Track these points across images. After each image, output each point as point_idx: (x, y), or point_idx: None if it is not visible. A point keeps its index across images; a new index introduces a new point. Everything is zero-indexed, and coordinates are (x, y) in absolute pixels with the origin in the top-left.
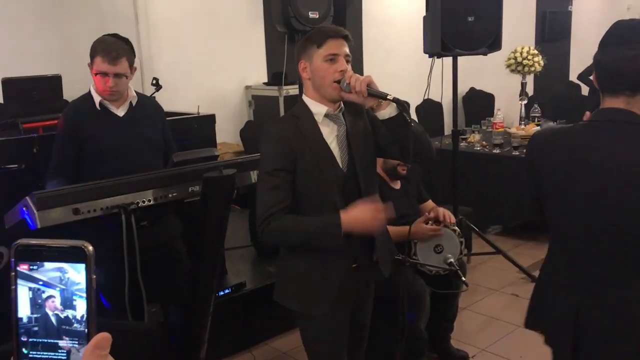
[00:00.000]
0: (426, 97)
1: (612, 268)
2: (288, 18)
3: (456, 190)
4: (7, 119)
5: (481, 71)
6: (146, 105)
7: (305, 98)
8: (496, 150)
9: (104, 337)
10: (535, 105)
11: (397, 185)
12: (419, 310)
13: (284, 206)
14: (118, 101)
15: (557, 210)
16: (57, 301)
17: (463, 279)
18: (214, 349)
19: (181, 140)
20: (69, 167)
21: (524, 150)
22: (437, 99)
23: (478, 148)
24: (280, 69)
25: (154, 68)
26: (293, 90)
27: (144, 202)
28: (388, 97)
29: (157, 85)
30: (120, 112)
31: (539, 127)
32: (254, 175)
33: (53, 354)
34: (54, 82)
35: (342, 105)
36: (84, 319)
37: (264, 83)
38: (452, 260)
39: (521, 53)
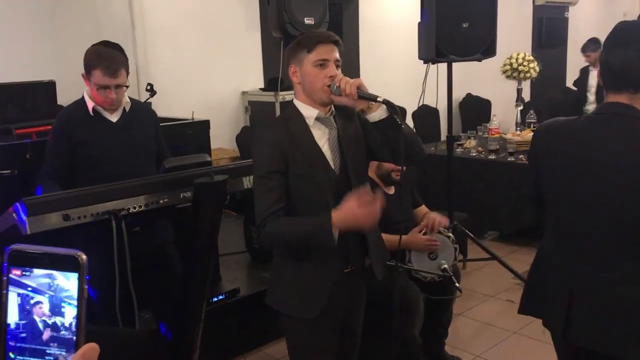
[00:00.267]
0: (421, 103)
1: (606, 253)
2: (283, 24)
3: (451, 196)
4: (0, 125)
5: (478, 77)
6: (139, 111)
7: (296, 102)
8: (492, 156)
9: (91, 348)
10: (531, 111)
11: (391, 190)
12: (412, 316)
13: (279, 207)
14: (117, 108)
15: (557, 197)
16: (45, 307)
17: (457, 285)
18: (207, 355)
19: (175, 146)
20: (61, 173)
21: (520, 156)
22: (433, 104)
23: (474, 154)
24: (277, 75)
25: (150, 74)
26: (289, 96)
27: (134, 208)
28: (378, 99)
29: (152, 91)
30: (114, 117)
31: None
32: (246, 181)
33: None
34: (47, 88)
35: (333, 108)
36: (73, 326)
37: (261, 89)
38: (446, 266)
39: (517, 59)
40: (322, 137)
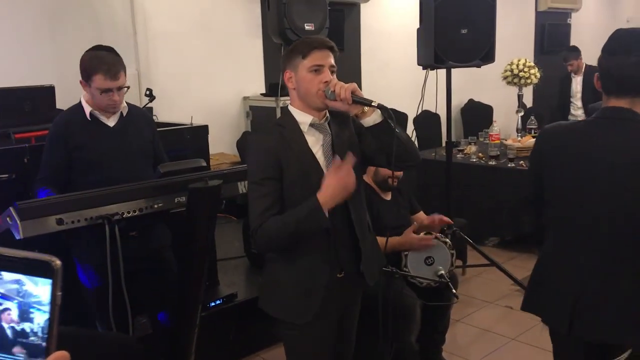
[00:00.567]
0: (420, 108)
1: (612, 249)
2: (283, 29)
3: (450, 201)
4: None
5: (480, 83)
6: (137, 116)
7: (290, 108)
8: (492, 162)
9: (62, 355)
10: (532, 117)
11: (388, 196)
12: (409, 323)
13: (273, 213)
14: (117, 111)
15: (561, 197)
16: (14, 314)
17: (454, 291)
18: None
19: (174, 150)
20: (58, 177)
21: (520, 162)
22: (434, 110)
23: (474, 160)
24: (278, 80)
25: (151, 79)
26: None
27: (129, 212)
28: (372, 104)
29: (151, 96)
30: (111, 122)
31: (534, 139)
32: (241, 186)
33: None
34: (46, 93)
35: (328, 114)
36: (42, 332)
37: (262, 94)
38: (442, 272)
39: (517, 65)
40: (316, 144)
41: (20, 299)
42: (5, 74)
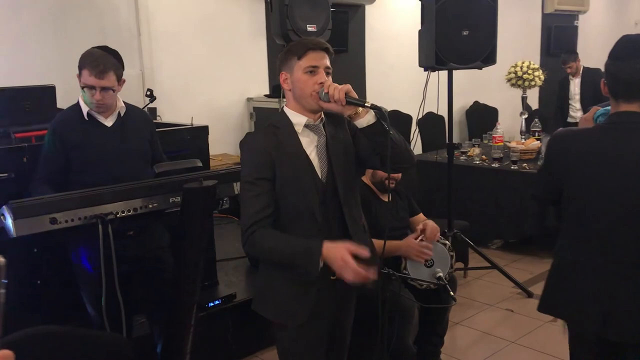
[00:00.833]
0: (422, 110)
1: (637, 250)
2: (286, 31)
3: (451, 203)
4: None
5: (485, 85)
6: (135, 116)
7: (286, 109)
8: (495, 165)
9: (5, 355)
10: (536, 120)
11: (387, 198)
12: (406, 325)
13: (267, 214)
14: (106, 112)
15: (580, 203)
16: None
17: (452, 294)
18: None
19: (174, 151)
20: (55, 177)
21: (523, 165)
22: (440, 112)
23: (477, 162)
24: None
25: (155, 80)
26: None
27: (123, 212)
28: (366, 105)
29: (152, 97)
30: (109, 122)
31: (538, 142)
32: (237, 187)
33: None
34: (47, 93)
35: (324, 116)
36: None
37: (266, 95)
38: (441, 274)
39: (521, 67)
40: (310, 145)
41: None
42: (10, 73)
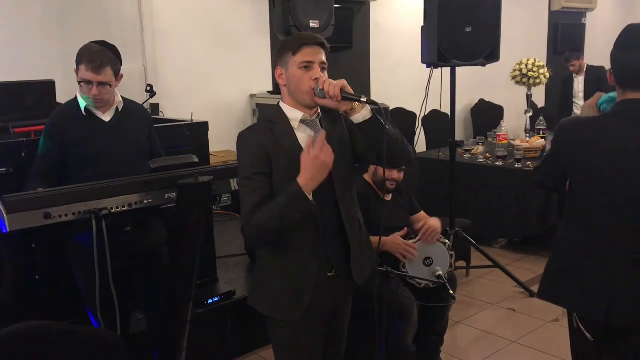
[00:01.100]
0: (425, 107)
1: (637, 236)
2: (289, 27)
3: (453, 201)
4: None
5: (491, 83)
6: (133, 111)
7: (282, 104)
8: (499, 163)
9: None
10: (541, 118)
11: (388, 197)
12: (405, 323)
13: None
14: (104, 107)
15: (584, 190)
16: None
17: (451, 292)
18: (200, 358)
19: (173, 147)
20: (51, 172)
21: (527, 163)
22: (443, 110)
23: (481, 160)
24: None
25: (158, 75)
26: None
27: (117, 207)
28: (362, 100)
29: (152, 92)
30: (106, 117)
31: (543, 140)
32: (233, 183)
33: None
34: (47, 87)
35: (320, 111)
36: None
37: (269, 92)
38: (440, 273)
39: (526, 65)
40: (307, 140)
41: None
42: (13, 69)
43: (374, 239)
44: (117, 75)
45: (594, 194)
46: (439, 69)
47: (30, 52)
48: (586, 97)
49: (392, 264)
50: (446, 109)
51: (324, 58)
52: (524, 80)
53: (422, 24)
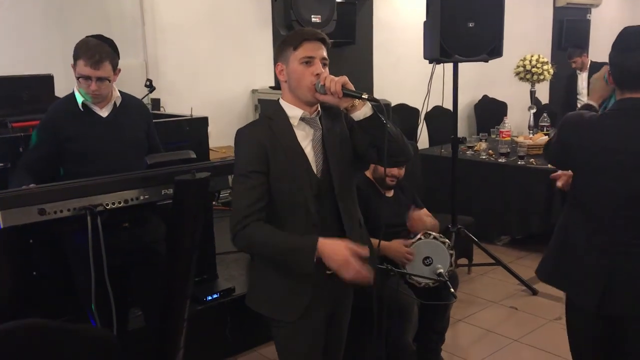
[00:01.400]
0: (427, 103)
1: (634, 228)
2: (290, 22)
3: (454, 198)
4: None
5: (494, 79)
6: (131, 106)
7: (281, 101)
8: (502, 160)
9: None
10: (545, 115)
11: (390, 193)
12: (405, 322)
13: (259, 207)
14: (102, 102)
15: (584, 184)
16: None
17: (452, 291)
18: (199, 355)
19: (173, 142)
20: (38, 166)
21: (530, 160)
22: (445, 106)
23: (484, 157)
24: None
25: (159, 70)
26: None
27: (113, 204)
28: (363, 97)
29: (151, 87)
30: (104, 112)
31: (546, 137)
32: (231, 180)
33: None
34: (45, 82)
35: (320, 109)
36: None
37: (271, 87)
38: (441, 271)
39: (530, 61)
40: (306, 138)
41: None
42: (13, 63)
43: (375, 240)
44: (116, 70)
45: (595, 186)
46: (442, 64)
47: (29, 46)
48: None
49: (392, 262)
50: (449, 105)
51: (325, 54)
52: (528, 76)
53: (425, 19)
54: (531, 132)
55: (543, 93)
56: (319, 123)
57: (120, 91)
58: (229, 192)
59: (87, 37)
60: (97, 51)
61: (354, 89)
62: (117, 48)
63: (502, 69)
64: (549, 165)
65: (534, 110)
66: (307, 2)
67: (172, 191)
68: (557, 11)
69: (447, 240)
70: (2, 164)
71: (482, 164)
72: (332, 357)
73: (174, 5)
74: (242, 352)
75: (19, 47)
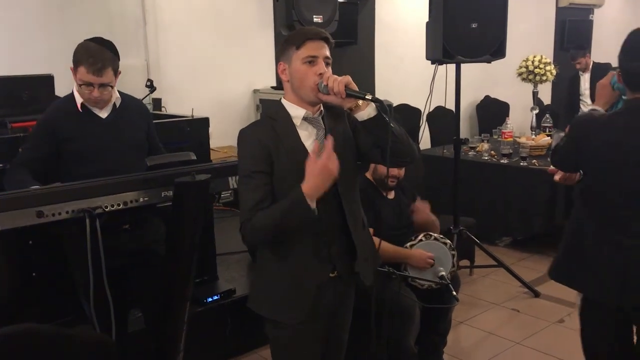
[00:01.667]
0: (429, 104)
1: None
2: (291, 22)
3: (457, 200)
4: None
5: (496, 79)
6: (131, 107)
7: (284, 101)
8: (504, 161)
9: None
10: (547, 115)
11: (391, 195)
12: (407, 324)
13: (264, 207)
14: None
15: (598, 181)
16: None
17: (454, 293)
18: (198, 357)
19: (173, 143)
20: (33, 166)
21: (533, 161)
22: (448, 106)
23: (486, 157)
24: None
25: (160, 70)
26: None
27: (112, 206)
28: (367, 97)
29: (152, 87)
30: (103, 113)
31: (549, 138)
32: (232, 181)
33: None
34: (45, 82)
35: (323, 108)
36: None
37: (272, 87)
38: (443, 273)
39: (532, 61)
40: (309, 138)
41: None
42: (14, 63)
43: (392, 248)
44: (116, 74)
45: (608, 185)
46: (444, 65)
47: (31, 46)
48: (592, 95)
49: (393, 264)
50: (451, 106)
51: (328, 53)
52: (530, 77)
53: (427, 19)
54: (534, 133)
55: (545, 94)
56: (321, 123)
57: (119, 92)
58: (229, 192)
59: (86, 40)
60: (99, 58)
61: (357, 89)
62: (117, 51)
63: (503, 70)
64: (552, 167)
65: (537, 111)
66: (309, 2)
67: (172, 193)
68: (560, 11)
69: (448, 240)
70: (1, 165)
71: (484, 164)
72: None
73: (175, 4)
74: (243, 354)
75: (19, 46)
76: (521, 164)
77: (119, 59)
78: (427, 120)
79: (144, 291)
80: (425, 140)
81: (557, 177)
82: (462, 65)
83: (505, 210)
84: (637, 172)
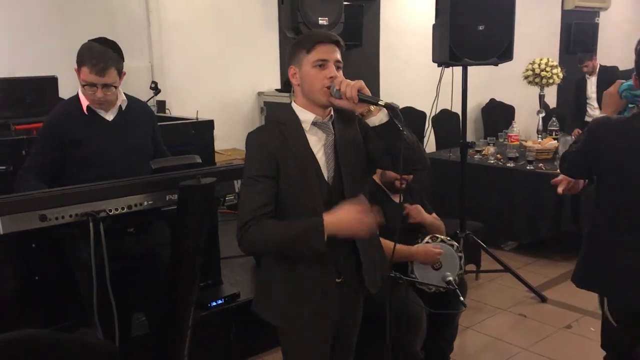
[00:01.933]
0: (435, 107)
1: None
2: (297, 24)
3: (463, 203)
4: None
5: (502, 82)
6: (136, 109)
7: (294, 105)
8: (510, 164)
9: None
10: (553, 119)
11: (398, 198)
12: (414, 330)
13: (266, 212)
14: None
15: (615, 185)
16: None
17: (461, 299)
18: None
19: (178, 145)
20: (44, 170)
21: (539, 165)
22: (454, 110)
23: (492, 161)
24: None
25: (164, 72)
26: None
27: (116, 209)
28: (379, 103)
29: (156, 89)
30: (109, 116)
31: (555, 141)
32: (237, 185)
33: None
34: (49, 83)
35: (333, 113)
36: None
37: (277, 90)
38: (450, 278)
39: (539, 65)
40: (318, 143)
41: None
42: (16, 64)
43: (387, 244)
44: (121, 74)
45: (626, 189)
46: (450, 67)
47: (33, 47)
48: (599, 97)
49: (400, 269)
50: (457, 109)
51: (339, 56)
52: (537, 80)
53: (434, 21)
54: (540, 136)
55: (551, 97)
56: (331, 128)
57: (125, 94)
58: (233, 195)
59: (89, 41)
60: (103, 58)
61: (370, 94)
62: (121, 51)
63: (510, 72)
64: (558, 171)
65: (543, 115)
66: (314, 4)
67: (176, 197)
68: (565, 14)
69: (455, 242)
70: (4, 167)
71: (490, 168)
72: None
73: (179, 6)
74: (247, 358)
75: (23, 48)
76: (527, 167)
77: (123, 60)
78: (432, 123)
79: (147, 295)
80: (430, 143)
81: (560, 189)
82: (468, 68)
83: (512, 215)
84: None
